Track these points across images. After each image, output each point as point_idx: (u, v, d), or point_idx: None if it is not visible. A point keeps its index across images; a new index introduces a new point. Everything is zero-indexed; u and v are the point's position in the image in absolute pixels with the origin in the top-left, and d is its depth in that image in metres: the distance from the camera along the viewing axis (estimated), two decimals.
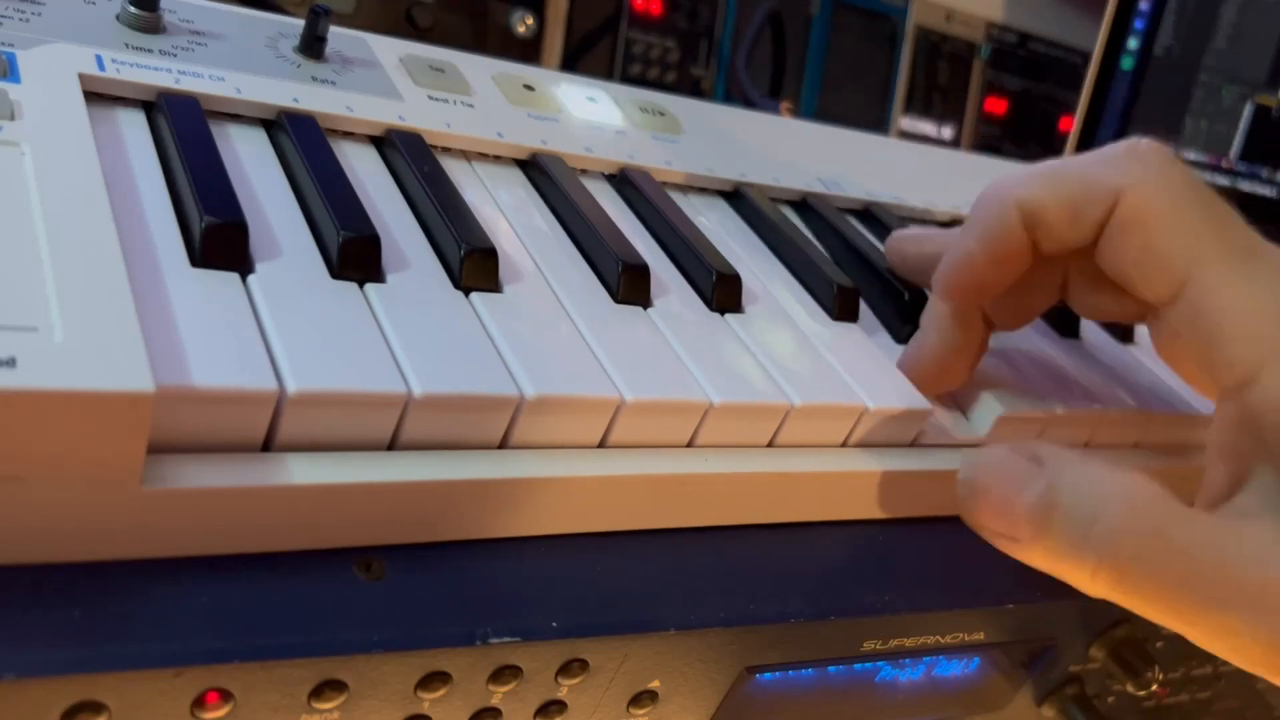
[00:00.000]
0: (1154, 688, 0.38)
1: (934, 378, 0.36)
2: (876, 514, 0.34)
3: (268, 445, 0.25)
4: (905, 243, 0.39)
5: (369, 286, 0.29)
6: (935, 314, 0.35)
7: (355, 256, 0.29)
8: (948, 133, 0.90)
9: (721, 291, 0.35)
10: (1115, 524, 0.27)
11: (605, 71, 0.75)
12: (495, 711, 0.27)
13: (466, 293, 0.30)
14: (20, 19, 0.31)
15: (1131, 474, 0.28)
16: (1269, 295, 0.29)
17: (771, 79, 0.79)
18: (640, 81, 0.76)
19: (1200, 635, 0.28)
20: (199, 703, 0.23)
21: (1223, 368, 0.29)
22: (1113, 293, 0.34)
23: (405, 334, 0.27)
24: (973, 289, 0.34)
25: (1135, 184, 0.30)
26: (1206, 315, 0.29)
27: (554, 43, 0.74)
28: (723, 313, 0.35)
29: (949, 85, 0.90)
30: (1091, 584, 0.28)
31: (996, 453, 0.30)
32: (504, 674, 0.26)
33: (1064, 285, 0.36)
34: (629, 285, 0.33)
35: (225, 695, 0.23)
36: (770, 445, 0.32)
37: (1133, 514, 0.27)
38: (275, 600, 0.24)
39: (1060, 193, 0.31)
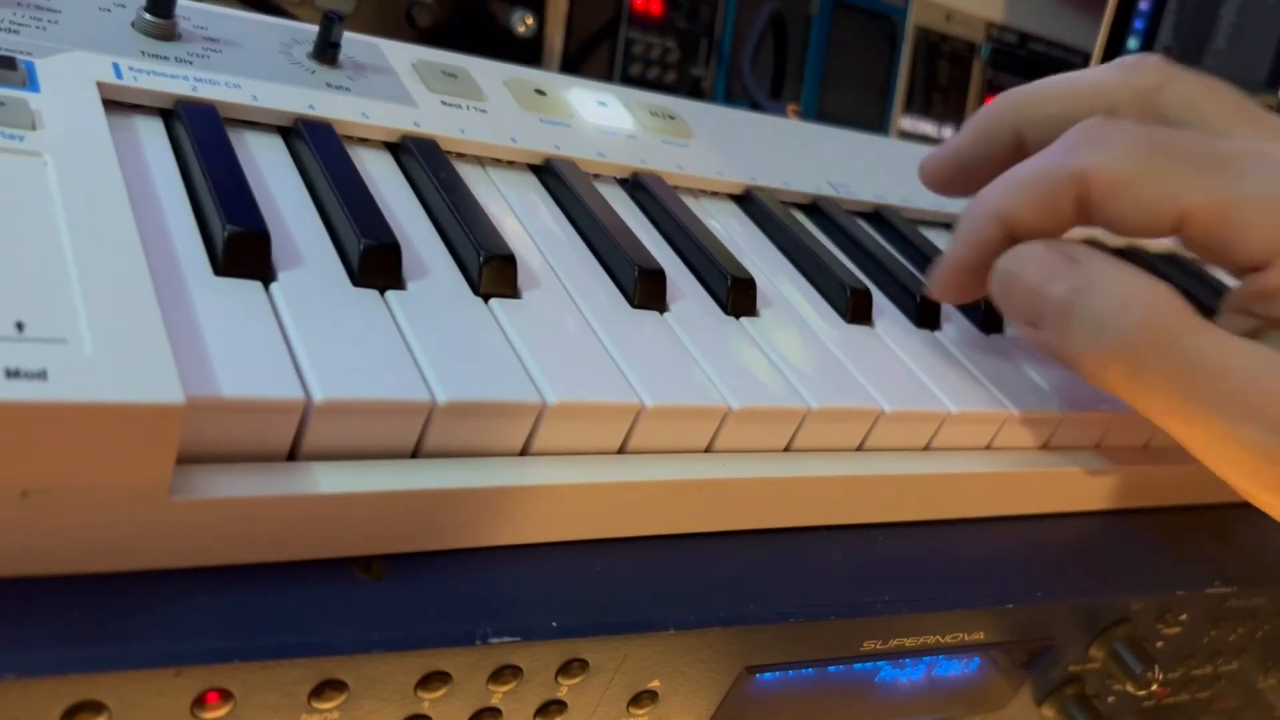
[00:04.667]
0: (1154, 688, 0.38)
1: (962, 284, 0.37)
2: (892, 517, 0.35)
3: (293, 454, 0.25)
4: (938, 159, 0.41)
5: (390, 294, 0.29)
6: (967, 224, 0.36)
7: (376, 264, 0.29)
8: (948, 133, 0.90)
9: (736, 295, 0.35)
10: (1136, 319, 0.30)
11: (605, 72, 0.75)
12: (495, 711, 0.27)
13: (486, 299, 0.30)
14: (37, 27, 0.31)
15: (1155, 281, 0.31)
16: (1266, 191, 0.31)
17: (773, 80, 0.80)
18: (640, 81, 0.76)
19: (1196, 437, 0.30)
20: (199, 703, 0.23)
21: (1238, 260, 0.32)
22: None
23: (427, 341, 0.27)
24: (959, 292, 0.36)
25: (1095, 163, 0.32)
26: (1210, 232, 0.31)
27: (554, 43, 0.73)
28: (738, 317, 0.35)
29: (949, 85, 0.90)
30: (1103, 376, 0.31)
31: (1036, 246, 0.33)
32: (504, 674, 0.26)
33: None
34: (645, 290, 0.33)
35: (225, 695, 0.23)
36: (787, 449, 0.33)
37: (1153, 312, 0.30)
38: (275, 600, 0.24)
39: (1028, 197, 0.33)
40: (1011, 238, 0.34)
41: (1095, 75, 0.37)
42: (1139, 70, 0.36)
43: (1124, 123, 0.33)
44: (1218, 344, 0.30)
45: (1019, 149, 0.37)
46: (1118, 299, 0.30)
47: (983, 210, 0.34)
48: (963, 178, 0.39)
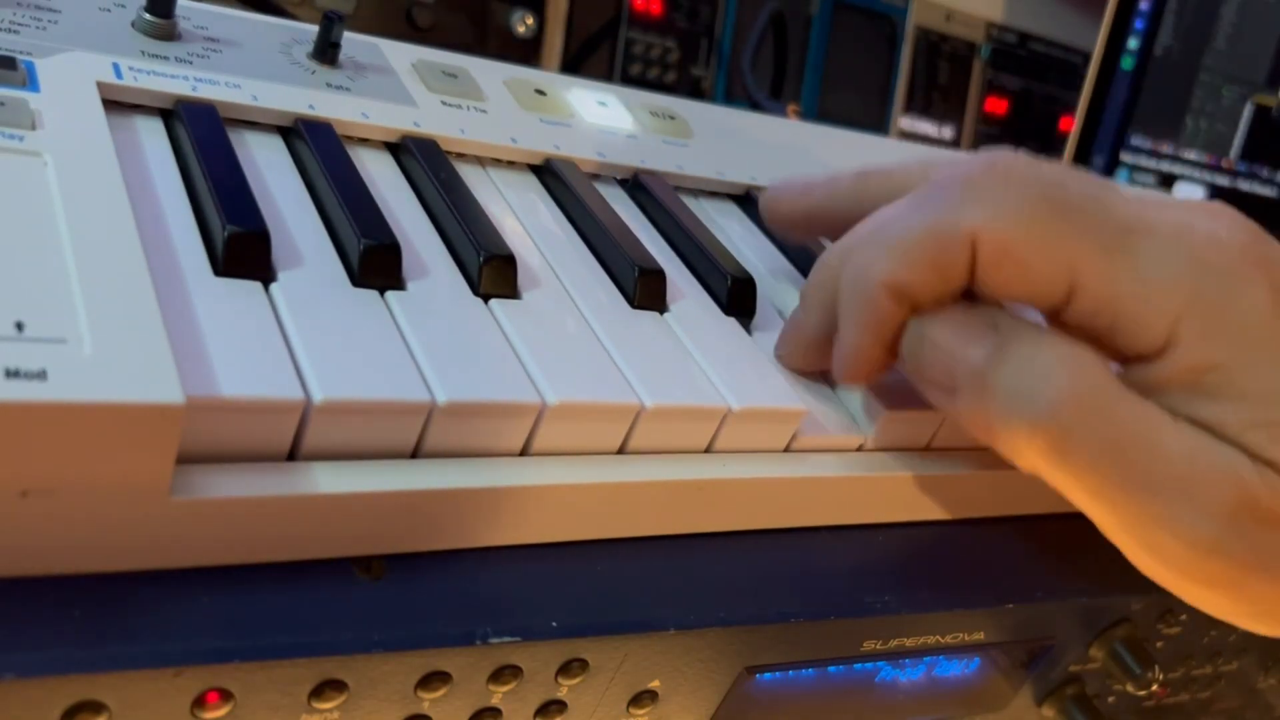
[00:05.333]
0: (1154, 688, 0.38)
1: (812, 357, 0.34)
2: (892, 517, 0.35)
3: (293, 454, 0.25)
4: (781, 202, 0.37)
5: (390, 294, 0.29)
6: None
7: (376, 265, 0.29)
8: (948, 133, 0.90)
9: (737, 296, 0.35)
10: (1059, 388, 0.27)
11: (605, 72, 0.75)
12: (495, 711, 0.27)
13: (485, 299, 0.30)
14: (37, 27, 0.31)
15: (1082, 346, 0.28)
16: (1157, 272, 0.29)
17: (773, 80, 0.80)
18: (640, 81, 0.76)
19: (1121, 521, 0.28)
20: (199, 703, 0.23)
21: (1129, 348, 0.29)
22: None
23: (427, 342, 0.27)
24: (877, 370, 0.32)
25: (985, 222, 0.29)
26: (1102, 310, 0.29)
27: (554, 43, 0.74)
28: (738, 317, 0.35)
29: (949, 85, 0.90)
30: (1024, 449, 0.28)
31: (953, 310, 0.30)
32: (504, 674, 0.26)
33: None
34: (645, 290, 0.33)
35: (225, 695, 0.23)
36: (787, 449, 0.33)
37: (1078, 381, 0.27)
38: (275, 600, 0.24)
39: (915, 261, 0.30)
40: (906, 305, 0.30)
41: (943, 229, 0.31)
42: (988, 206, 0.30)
43: (1013, 167, 0.30)
44: (1149, 419, 0.27)
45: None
46: (1040, 365, 0.28)
47: (866, 284, 0.30)
48: (826, 353, 0.33)
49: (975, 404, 0.29)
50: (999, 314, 0.30)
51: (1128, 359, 0.30)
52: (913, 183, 0.33)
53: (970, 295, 0.31)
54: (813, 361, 0.34)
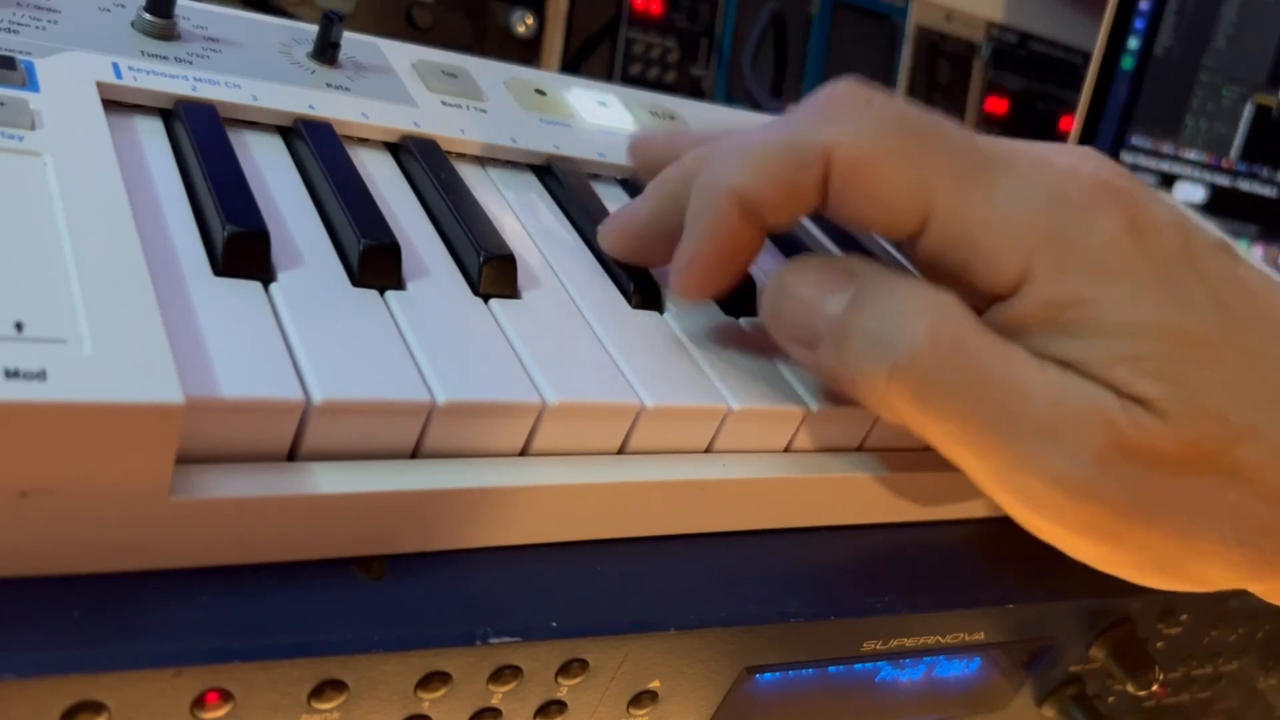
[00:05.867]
0: (1154, 688, 0.38)
1: (639, 245, 0.33)
2: (892, 517, 0.35)
3: (293, 454, 0.25)
4: (651, 147, 0.37)
5: (390, 294, 0.29)
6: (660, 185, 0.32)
7: (376, 264, 0.29)
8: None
9: (735, 296, 0.35)
10: (917, 332, 0.26)
11: (605, 72, 0.75)
12: (495, 711, 0.27)
13: (486, 299, 0.30)
14: (37, 27, 0.31)
15: (942, 290, 0.27)
16: (1013, 204, 0.28)
17: (773, 80, 0.80)
18: (640, 81, 0.76)
19: (990, 468, 0.27)
20: (199, 703, 0.23)
21: (983, 282, 0.28)
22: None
23: (427, 342, 0.27)
24: (711, 284, 0.31)
25: (842, 139, 0.28)
26: (955, 241, 0.28)
27: (554, 43, 0.74)
28: (738, 317, 0.35)
29: (949, 85, 0.90)
30: (885, 397, 0.27)
31: (809, 260, 0.30)
32: (504, 674, 0.26)
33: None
34: (644, 291, 0.33)
35: (225, 695, 0.23)
36: (787, 450, 0.33)
37: (936, 324, 0.27)
38: (275, 600, 0.24)
39: (769, 172, 0.29)
40: (754, 221, 0.29)
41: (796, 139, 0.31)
42: (840, 123, 0.30)
43: (879, 95, 0.29)
44: (1012, 360, 0.27)
45: None
46: (898, 310, 0.27)
47: (715, 189, 0.29)
48: (645, 248, 0.33)
49: (835, 356, 0.28)
50: (857, 262, 0.29)
51: (986, 298, 0.29)
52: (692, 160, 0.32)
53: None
54: (630, 248, 0.33)
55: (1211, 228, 0.30)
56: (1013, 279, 0.28)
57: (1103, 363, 0.27)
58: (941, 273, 0.29)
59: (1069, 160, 0.29)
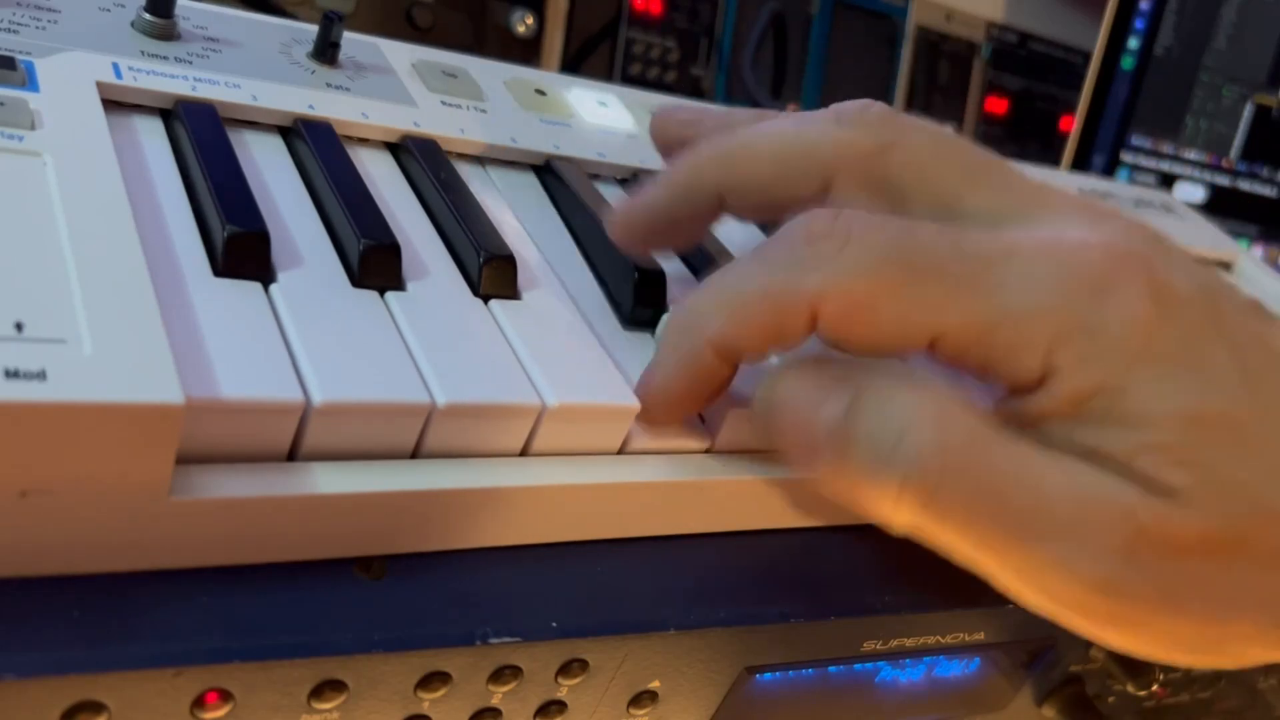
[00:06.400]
0: (1154, 688, 0.38)
1: (649, 232, 0.33)
2: None
3: (292, 455, 0.25)
4: (671, 125, 0.36)
5: (390, 295, 0.29)
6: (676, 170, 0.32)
7: (376, 265, 0.29)
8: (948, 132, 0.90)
9: None
10: (923, 438, 0.25)
11: (605, 72, 0.75)
12: (495, 711, 0.27)
13: (485, 300, 0.30)
14: (37, 27, 0.31)
15: (942, 390, 0.26)
16: (1024, 303, 0.26)
17: (773, 80, 0.80)
18: (640, 81, 0.76)
19: (1011, 572, 0.26)
20: (199, 703, 0.23)
21: (1004, 383, 0.27)
22: None
23: (427, 343, 0.27)
24: (677, 414, 0.30)
25: (829, 288, 0.26)
26: (970, 351, 0.27)
27: (554, 43, 0.74)
28: None
29: (949, 85, 0.90)
30: (895, 510, 0.26)
31: (800, 369, 0.28)
32: (504, 674, 0.26)
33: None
34: (644, 291, 0.33)
35: (225, 695, 0.23)
36: None
37: (942, 429, 0.25)
38: (275, 600, 0.24)
39: (751, 322, 0.28)
40: (730, 360, 0.29)
41: (811, 135, 0.31)
42: (859, 127, 0.30)
43: (855, 222, 0.27)
44: (1026, 460, 0.25)
45: (720, 208, 0.32)
46: (902, 417, 0.25)
47: (694, 334, 0.28)
48: (657, 236, 0.33)
49: (839, 469, 0.26)
50: (852, 364, 0.27)
51: (1008, 389, 0.27)
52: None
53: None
54: (638, 238, 0.33)
55: (1239, 289, 0.29)
56: (1036, 375, 0.26)
57: (1126, 453, 0.25)
58: (963, 371, 0.27)
59: (1079, 234, 0.27)
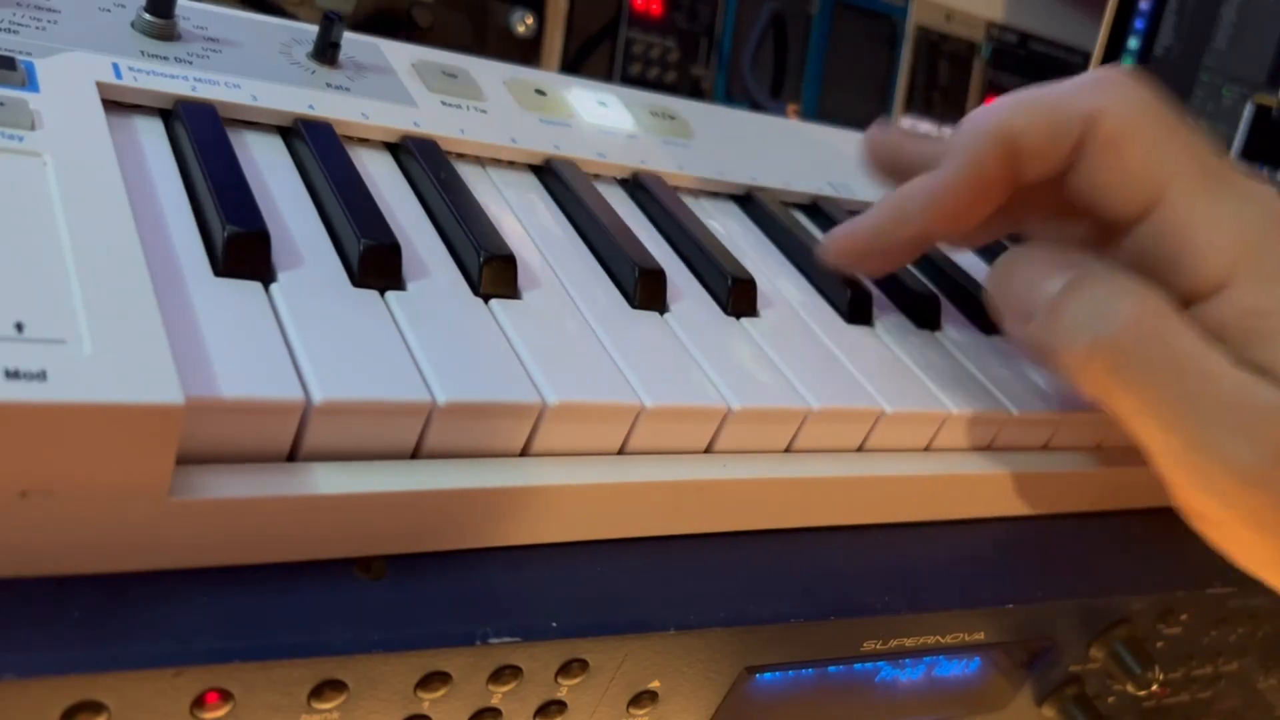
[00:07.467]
0: (1154, 688, 0.38)
1: (859, 256, 0.37)
2: (892, 518, 0.35)
3: (293, 455, 0.25)
4: (886, 145, 0.39)
5: (390, 295, 0.29)
6: (890, 199, 0.36)
7: (376, 265, 0.29)
8: (948, 133, 0.90)
9: (737, 296, 0.35)
10: (1122, 314, 0.29)
11: (605, 72, 0.75)
12: (495, 711, 0.27)
13: (486, 299, 0.30)
14: (37, 27, 0.31)
15: (1151, 285, 0.30)
16: (1234, 212, 0.31)
17: (773, 80, 0.80)
18: (640, 81, 0.76)
19: (1170, 446, 0.29)
20: (199, 703, 0.23)
21: (1189, 277, 0.31)
22: (1073, 219, 0.36)
23: (427, 342, 0.27)
24: (950, 219, 0.35)
25: (1111, 108, 0.32)
26: (1176, 230, 0.31)
27: (554, 42, 0.73)
28: (738, 317, 0.35)
29: (949, 85, 0.90)
30: (1085, 367, 0.30)
31: (1037, 247, 0.33)
32: (504, 674, 0.26)
33: (1022, 215, 0.38)
34: (645, 290, 0.33)
35: (225, 695, 0.23)
36: (788, 450, 0.33)
37: (1142, 308, 0.29)
38: (275, 600, 0.24)
39: (1038, 118, 0.33)
40: (1009, 162, 0.33)
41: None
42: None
43: (1145, 84, 0.32)
44: (1205, 350, 0.29)
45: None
46: (1106, 295, 0.30)
47: (983, 124, 0.33)
48: (870, 259, 0.37)
49: (1046, 329, 0.31)
50: (1080, 256, 0.32)
51: (1182, 298, 0.31)
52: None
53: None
54: (852, 261, 0.37)
55: None
56: (1213, 281, 0.30)
57: None
58: (1144, 268, 0.32)
59: (1273, 191, 0.32)
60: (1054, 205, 0.36)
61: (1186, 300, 0.31)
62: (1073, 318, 0.30)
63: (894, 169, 0.39)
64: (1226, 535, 0.30)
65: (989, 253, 0.47)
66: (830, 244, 0.37)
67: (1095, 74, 0.33)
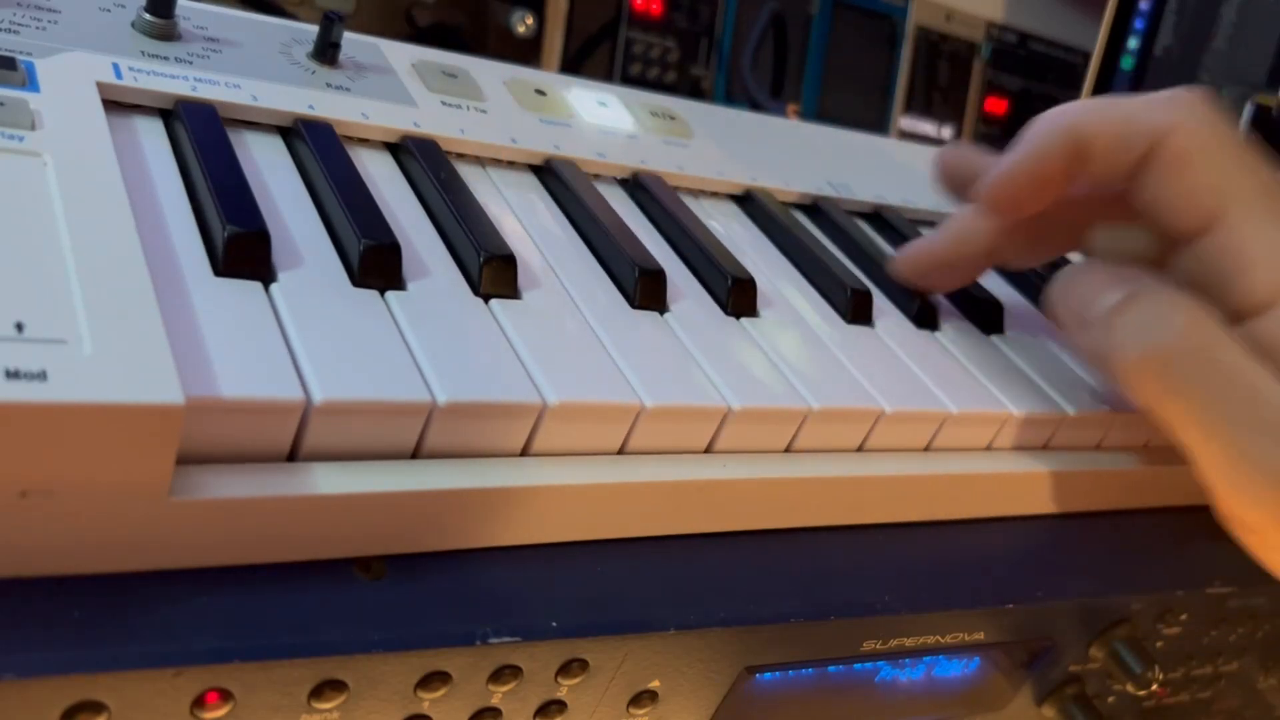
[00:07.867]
0: (1154, 688, 0.38)
1: (927, 270, 0.40)
2: (892, 518, 0.35)
3: (293, 455, 0.25)
4: (958, 164, 0.41)
5: (390, 294, 0.29)
6: (958, 217, 0.39)
7: (376, 264, 0.29)
8: (948, 133, 0.90)
9: (737, 296, 0.35)
10: (1175, 326, 0.31)
11: (605, 72, 0.75)
12: (495, 711, 0.27)
13: (486, 299, 0.30)
14: (37, 27, 0.31)
15: (1201, 299, 0.32)
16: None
17: (773, 80, 0.79)
18: (640, 81, 0.76)
19: (1212, 453, 0.31)
20: (199, 703, 0.23)
21: (1241, 294, 0.32)
22: (1129, 240, 0.38)
23: (428, 342, 0.27)
24: (1011, 202, 0.36)
25: (1183, 125, 0.33)
26: (1233, 248, 0.33)
27: (554, 43, 0.73)
28: (738, 317, 0.35)
29: (949, 85, 0.90)
30: (1136, 375, 0.32)
31: (1094, 263, 0.35)
32: (504, 674, 0.26)
33: (1083, 231, 0.40)
34: (645, 290, 0.33)
35: (225, 695, 0.23)
36: (788, 450, 0.33)
37: (1194, 322, 0.31)
38: (275, 600, 0.24)
39: (1111, 124, 0.34)
40: (1076, 160, 0.35)
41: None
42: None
43: (1216, 106, 0.34)
44: (1251, 364, 0.30)
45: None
46: (1161, 307, 0.32)
47: (1058, 117, 0.35)
48: (938, 274, 0.40)
49: (1100, 337, 0.33)
50: (1138, 273, 0.33)
51: (1235, 315, 0.32)
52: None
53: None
54: (920, 275, 0.40)
55: None
56: (1265, 299, 0.32)
57: None
58: (1198, 283, 0.33)
59: None
60: (1110, 222, 0.38)
61: (1238, 316, 0.32)
62: (1127, 328, 0.32)
63: (966, 186, 0.40)
64: (1266, 543, 0.32)
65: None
66: (902, 258, 0.39)
67: (1171, 92, 0.34)
